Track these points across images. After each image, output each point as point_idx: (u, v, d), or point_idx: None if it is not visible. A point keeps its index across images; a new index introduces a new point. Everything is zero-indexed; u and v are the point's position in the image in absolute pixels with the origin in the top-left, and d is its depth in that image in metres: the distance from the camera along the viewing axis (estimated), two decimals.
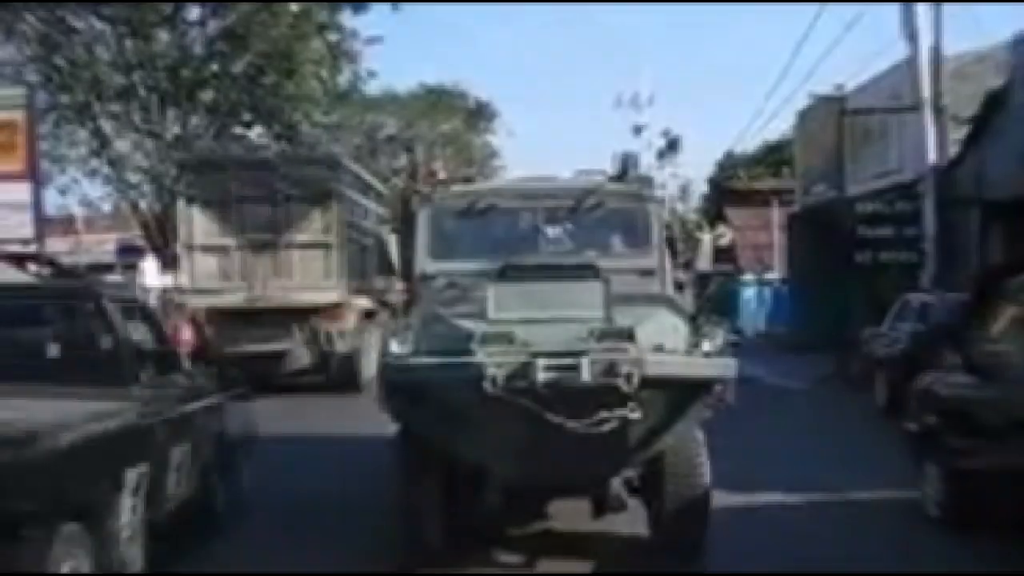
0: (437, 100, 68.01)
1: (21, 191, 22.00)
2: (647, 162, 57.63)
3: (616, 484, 7.92)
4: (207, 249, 18.58)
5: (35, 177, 22.07)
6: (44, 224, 22.86)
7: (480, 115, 77.04)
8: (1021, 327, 7.45)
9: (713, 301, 29.96)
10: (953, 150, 17.78)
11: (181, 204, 19.14)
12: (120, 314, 6.99)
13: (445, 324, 7.75)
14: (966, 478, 7.73)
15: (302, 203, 18.40)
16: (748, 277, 35.49)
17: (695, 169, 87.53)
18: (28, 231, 22.29)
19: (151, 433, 6.54)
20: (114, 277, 19.76)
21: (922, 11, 17.34)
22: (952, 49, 18.61)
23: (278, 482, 9.71)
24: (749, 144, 42.29)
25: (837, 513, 8.74)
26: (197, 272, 18.55)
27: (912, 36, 17.33)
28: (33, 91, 22.79)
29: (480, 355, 6.99)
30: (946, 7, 17.62)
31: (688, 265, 36.85)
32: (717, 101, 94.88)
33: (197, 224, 18.54)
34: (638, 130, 61.80)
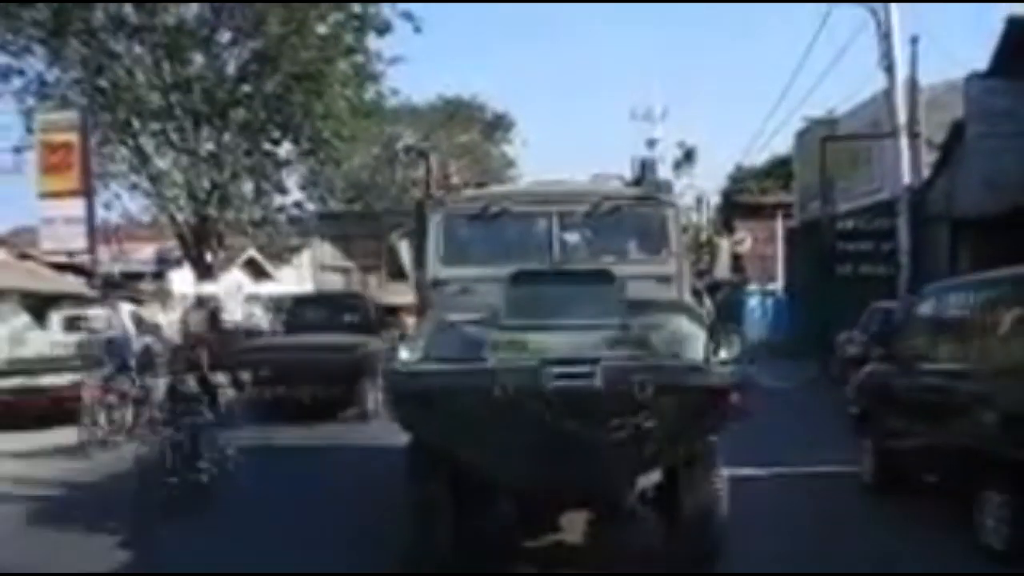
0: (455, 112, 69.37)
1: (76, 206, 24.08)
2: (663, 173, 59.03)
3: (628, 493, 7.89)
4: None
5: (88, 194, 24.07)
6: (96, 236, 24.84)
7: (497, 126, 78.35)
8: (929, 327, 9.14)
9: (721, 309, 31.47)
10: (927, 172, 19.35)
11: None
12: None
13: (456, 331, 7.55)
14: (890, 452, 9.45)
15: None
16: (753, 287, 36.92)
17: (710, 181, 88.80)
18: (82, 243, 24.35)
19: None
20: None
21: (898, 46, 18.97)
22: (928, 80, 20.23)
23: None
24: (759, 157, 43.54)
25: (795, 482, 10.42)
26: None
27: (889, 68, 18.93)
28: (84, 113, 24.67)
29: (491, 361, 6.91)
30: (921, 43, 19.25)
31: (702, 274, 38.52)
32: (731, 113, 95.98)
33: None
34: (652, 143, 63.37)
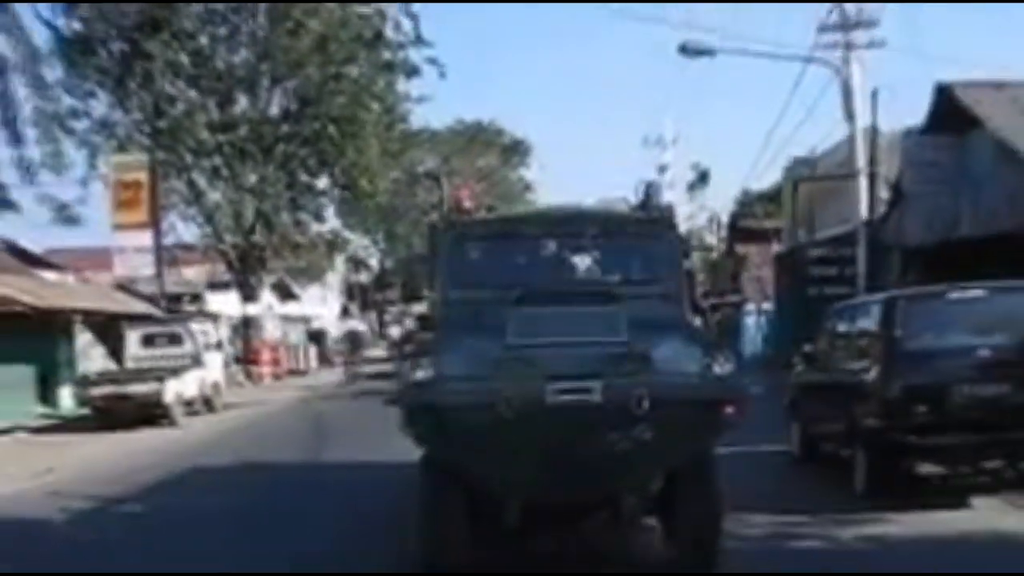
0: (473, 136, 71.86)
1: (144, 237, 27.45)
2: (676, 195, 61.43)
3: (630, 501, 8.05)
4: None
5: (156, 225, 27.43)
6: (162, 263, 28.20)
7: (515, 151, 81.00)
8: (831, 337, 12.26)
9: (721, 326, 34.27)
10: (885, 208, 22.31)
11: None
12: None
13: (466, 350, 7.66)
14: (809, 433, 12.52)
15: None
16: (750, 307, 39.67)
17: (725, 201, 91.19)
18: (150, 269, 27.69)
19: None
20: None
21: (860, 98, 21.95)
22: (888, 126, 23.20)
23: None
24: (766, 181, 45.85)
25: (743, 457, 13.13)
26: None
27: (850, 117, 21.95)
28: (153, 154, 28.03)
29: (499, 380, 7.03)
30: (881, 93, 22.22)
31: (708, 294, 41.52)
32: (744, 135, 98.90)
33: None
34: (662, 168, 65.88)
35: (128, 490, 12.87)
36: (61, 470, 15.39)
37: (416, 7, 32.48)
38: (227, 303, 37.02)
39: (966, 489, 10.09)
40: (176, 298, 43.47)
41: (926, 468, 10.44)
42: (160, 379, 21.01)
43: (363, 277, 76.79)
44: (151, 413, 20.84)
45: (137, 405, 20.77)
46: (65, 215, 25.69)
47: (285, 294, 51.70)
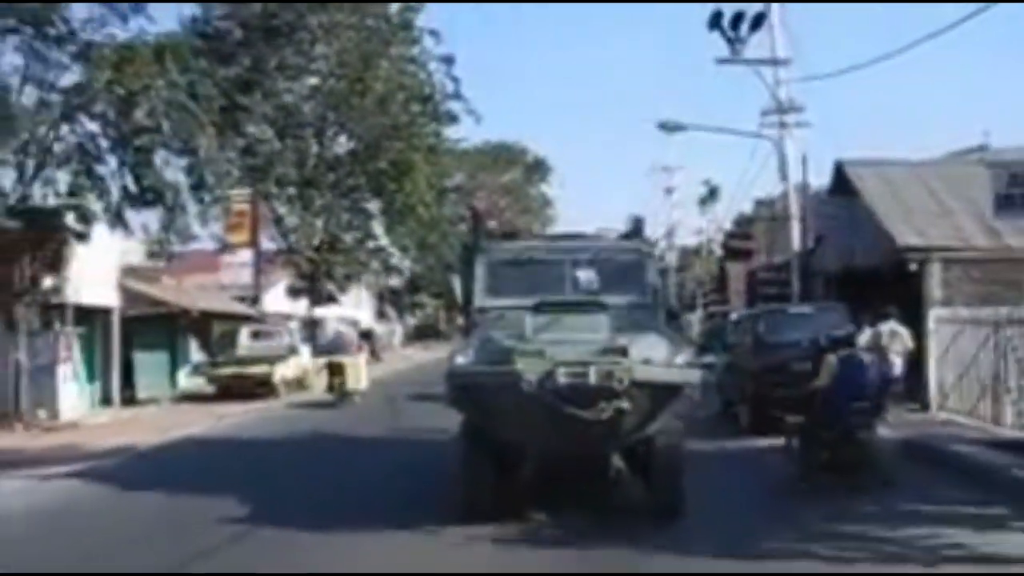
0: (499, 155, 77.79)
1: (246, 255, 34.79)
2: (685, 211, 66.55)
3: (616, 459, 10.08)
4: None
5: (256, 245, 34.82)
6: (260, 275, 35.63)
7: (536, 169, 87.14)
8: (738, 330, 19.40)
9: (707, 333, 40.89)
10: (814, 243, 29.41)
11: None
12: None
13: (496, 343, 9.28)
14: (728, 404, 19.59)
15: None
16: (734, 314, 46.38)
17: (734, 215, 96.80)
18: (248, 278, 35.07)
19: None
20: None
21: (792, 162, 29.02)
22: (817, 182, 30.30)
23: None
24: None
25: (702, 420, 18.02)
26: None
27: (784, 177, 29.01)
28: (256, 191, 35.37)
29: (519, 365, 8.60)
30: (811, 158, 29.34)
31: (708, 304, 49.35)
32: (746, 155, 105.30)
33: None
34: (669, 191, 71.35)
35: (278, 428, 20.24)
36: (225, 419, 22.71)
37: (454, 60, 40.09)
38: (276, 302, 42.99)
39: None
40: (242, 300, 50.81)
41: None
42: (271, 363, 28.40)
43: (395, 282, 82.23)
44: (260, 389, 28.07)
45: (253, 383, 28.03)
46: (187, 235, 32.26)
47: (328, 298, 58.38)
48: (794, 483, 11.54)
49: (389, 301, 76.06)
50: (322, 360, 26.70)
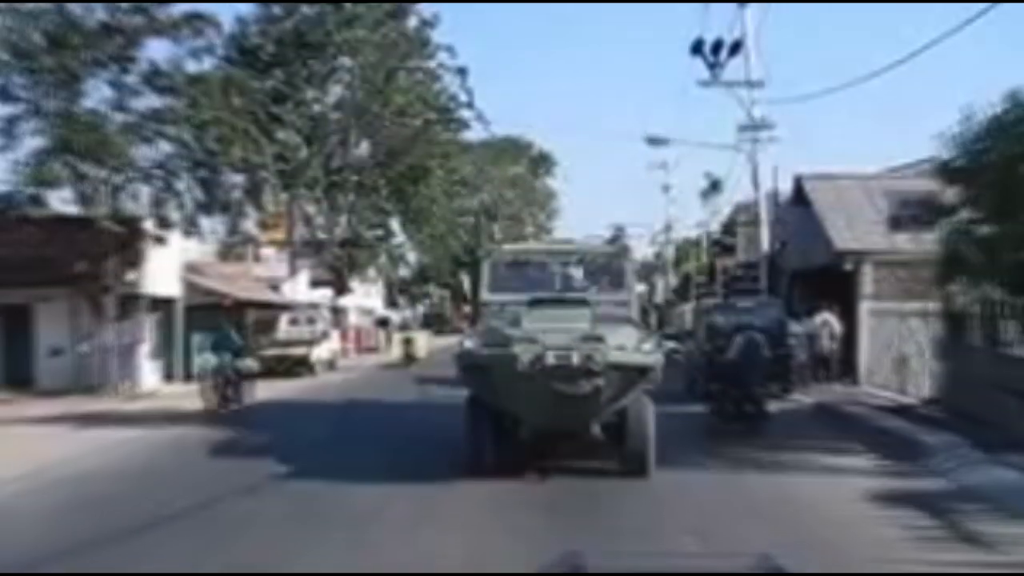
0: (505, 148, 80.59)
1: (289, 253, 39.09)
2: (681, 208, 68.77)
3: (596, 429, 11.33)
4: None
5: (291, 243, 39.17)
6: (295, 267, 40.01)
7: (542, 162, 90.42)
8: (698, 319, 23.74)
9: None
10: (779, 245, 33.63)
11: None
12: None
13: (497, 331, 10.82)
14: (692, 382, 23.88)
15: None
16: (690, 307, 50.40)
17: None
18: (285, 272, 39.44)
19: None
20: None
21: (764, 172, 33.23)
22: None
23: None
24: None
25: (672, 393, 23.43)
26: None
27: (756, 187, 33.23)
28: (291, 195, 39.69)
29: (516, 349, 9.98)
30: (780, 170, 33.56)
31: (700, 296, 53.98)
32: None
33: None
34: (667, 188, 74.83)
35: (322, 396, 24.63)
36: (280, 391, 27.01)
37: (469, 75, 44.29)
38: (298, 292, 46.54)
39: None
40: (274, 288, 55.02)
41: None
42: (309, 345, 32.82)
43: (404, 272, 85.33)
44: (298, 368, 32.41)
45: (292, 362, 32.38)
46: (248, 238, 35.57)
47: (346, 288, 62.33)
48: (712, 428, 15.85)
49: (399, 290, 79.90)
50: (399, 335, 39.67)
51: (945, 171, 15.59)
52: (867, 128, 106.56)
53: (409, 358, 36.82)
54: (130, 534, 9.05)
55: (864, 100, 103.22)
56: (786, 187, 34.09)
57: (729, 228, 60.28)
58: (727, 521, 9.23)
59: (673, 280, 68.66)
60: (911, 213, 18.31)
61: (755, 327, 18.17)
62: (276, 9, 41.77)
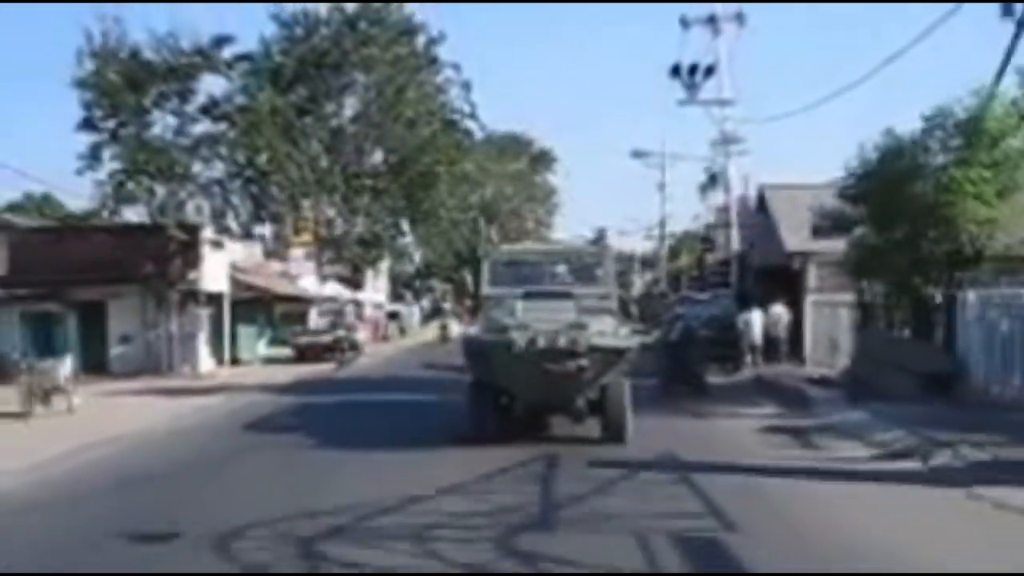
0: (506, 145, 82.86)
1: (310, 253, 43.74)
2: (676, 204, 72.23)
3: (580, 403, 12.65)
4: None
5: (319, 242, 43.81)
6: (321, 267, 44.69)
7: (542, 159, 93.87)
8: (669, 309, 28.46)
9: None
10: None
11: None
12: None
13: (496, 320, 12.40)
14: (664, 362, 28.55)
15: None
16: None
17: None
18: (309, 270, 44.12)
19: None
20: None
21: (735, 181, 37.85)
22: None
23: None
24: None
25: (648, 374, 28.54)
26: None
27: (726, 188, 37.86)
28: (317, 202, 44.37)
29: (511, 334, 11.48)
30: (752, 173, 38.19)
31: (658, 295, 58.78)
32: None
33: None
34: (661, 186, 77.99)
35: (359, 374, 29.39)
36: (315, 373, 31.69)
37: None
38: (320, 288, 50.43)
39: None
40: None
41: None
42: (351, 331, 37.74)
43: (408, 267, 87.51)
44: (327, 355, 36.93)
45: (323, 348, 36.97)
46: (289, 242, 40.14)
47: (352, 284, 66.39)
48: (663, 395, 20.47)
49: (403, 285, 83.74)
50: (436, 321, 51.29)
51: (844, 194, 20.26)
52: (848, 134, 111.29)
53: (444, 339, 48.52)
54: (234, 453, 13.90)
55: (844, 105, 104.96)
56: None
57: (713, 227, 65.43)
58: (658, 440, 13.51)
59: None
60: (828, 224, 22.70)
61: (703, 316, 22.74)
62: (298, 30, 46.24)
